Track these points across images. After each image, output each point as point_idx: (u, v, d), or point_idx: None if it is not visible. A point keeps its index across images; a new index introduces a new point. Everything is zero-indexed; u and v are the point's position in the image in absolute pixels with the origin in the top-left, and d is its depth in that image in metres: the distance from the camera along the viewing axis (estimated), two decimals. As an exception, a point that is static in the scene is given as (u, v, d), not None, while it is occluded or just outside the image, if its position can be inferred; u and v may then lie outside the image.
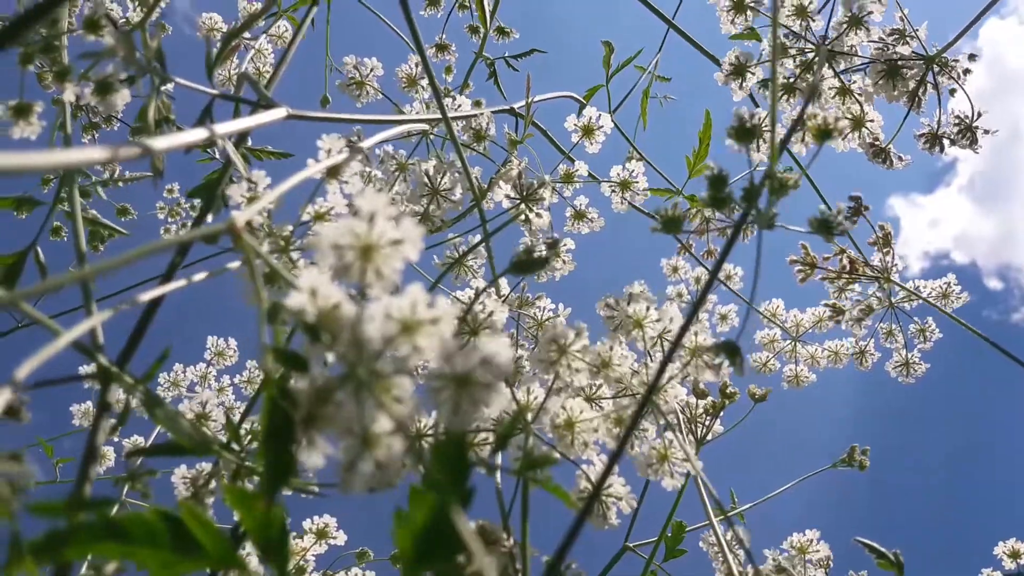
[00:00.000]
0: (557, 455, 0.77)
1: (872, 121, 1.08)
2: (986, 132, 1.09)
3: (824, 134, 0.67)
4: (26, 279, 1.12)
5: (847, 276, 1.30)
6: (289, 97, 1.09)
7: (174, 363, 1.62)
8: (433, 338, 0.44)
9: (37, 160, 0.50)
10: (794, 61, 1.10)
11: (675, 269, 1.83)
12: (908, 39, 1.08)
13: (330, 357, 0.45)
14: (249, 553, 0.83)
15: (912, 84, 1.08)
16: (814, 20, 1.09)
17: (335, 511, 1.24)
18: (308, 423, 0.44)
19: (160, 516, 0.46)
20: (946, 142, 1.11)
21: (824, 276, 1.30)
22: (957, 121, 1.10)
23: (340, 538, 1.23)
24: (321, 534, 1.22)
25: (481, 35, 1.72)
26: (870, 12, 1.07)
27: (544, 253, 0.82)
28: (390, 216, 0.47)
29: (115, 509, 1.19)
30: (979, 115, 1.09)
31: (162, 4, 1.34)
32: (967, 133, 1.09)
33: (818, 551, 1.10)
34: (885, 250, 1.30)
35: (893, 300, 1.45)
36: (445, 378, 0.45)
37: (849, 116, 1.09)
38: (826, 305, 1.48)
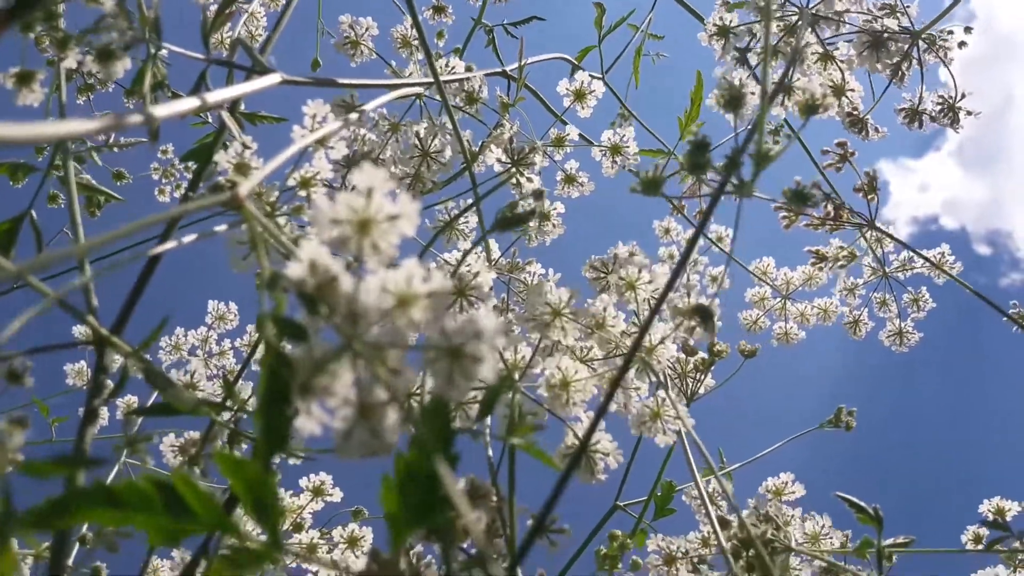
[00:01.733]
0: (542, 422, 0.78)
1: (852, 91, 1.09)
2: (969, 113, 1.10)
3: (810, 109, 0.68)
4: (22, 246, 1.13)
5: (832, 223, 1.31)
6: (281, 60, 1.09)
7: (175, 327, 1.63)
8: (428, 311, 0.46)
9: (40, 131, 0.51)
10: (778, 25, 1.11)
11: (667, 231, 1.84)
12: (898, 14, 1.08)
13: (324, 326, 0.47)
14: (245, 516, 0.85)
15: (896, 58, 1.08)
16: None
17: (330, 468, 1.26)
18: (305, 392, 0.45)
19: (154, 483, 0.47)
20: (926, 119, 1.11)
21: (809, 223, 1.31)
22: (940, 100, 1.11)
23: (336, 495, 1.25)
24: (317, 491, 1.24)
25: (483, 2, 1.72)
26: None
27: (530, 207, 0.84)
28: (387, 191, 0.48)
29: (114, 471, 1.21)
30: (963, 96, 1.10)
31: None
32: (949, 112, 1.10)
33: (794, 492, 1.12)
34: (871, 197, 1.31)
35: (887, 269, 1.47)
36: (439, 350, 0.46)
37: (831, 84, 1.09)
38: (809, 251, 1.50)
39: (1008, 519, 1.21)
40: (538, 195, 1.12)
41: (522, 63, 1.24)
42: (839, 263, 1.45)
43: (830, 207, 1.30)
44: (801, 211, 1.27)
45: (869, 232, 1.41)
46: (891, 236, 1.44)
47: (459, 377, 0.46)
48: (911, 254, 1.47)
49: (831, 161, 1.23)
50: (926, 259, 1.45)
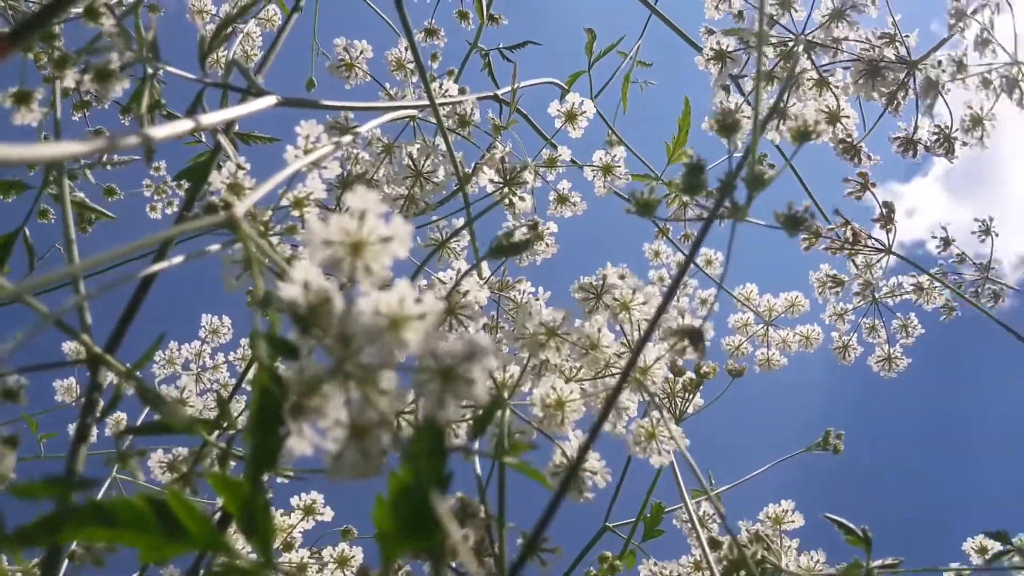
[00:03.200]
0: (533, 442, 0.79)
1: (847, 117, 1.10)
2: (964, 144, 1.11)
3: (803, 135, 0.69)
4: (14, 261, 1.14)
5: (850, 248, 1.33)
6: (276, 80, 1.10)
7: (169, 341, 1.63)
8: (420, 332, 0.47)
9: (37, 152, 0.51)
10: (774, 50, 1.12)
11: (656, 254, 1.85)
12: (897, 44, 1.09)
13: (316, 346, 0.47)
14: (236, 534, 0.85)
15: (892, 87, 1.09)
16: (796, 11, 1.11)
17: (322, 488, 1.26)
18: (296, 413, 0.46)
19: (147, 501, 0.48)
20: (921, 148, 1.12)
21: (828, 247, 1.32)
22: (936, 130, 1.11)
23: (327, 515, 1.25)
24: (309, 510, 1.24)
25: (476, 26, 1.73)
26: (853, 6, 1.09)
27: (525, 236, 0.85)
28: (380, 213, 0.48)
29: (105, 486, 1.21)
30: (958, 128, 1.10)
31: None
32: (944, 142, 1.11)
33: (793, 521, 1.12)
34: (888, 227, 1.32)
35: (877, 296, 1.49)
36: (431, 371, 0.47)
37: (825, 109, 1.10)
38: (827, 276, 1.51)
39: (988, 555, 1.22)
40: (533, 227, 1.13)
41: (515, 87, 1.25)
42: (855, 292, 1.46)
43: (849, 232, 1.31)
44: (820, 234, 1.29)
45: (859, 257, 1.42)
46: (911, 262, 1.45)
47: (450, 398, 0.47)
48: (899, 279, 1.49)
49: (852, 190, 1.25)
50: (948, 286, 1.46)
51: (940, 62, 1.08)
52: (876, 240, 1.32)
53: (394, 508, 0.48)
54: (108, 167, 1.64)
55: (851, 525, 0.88)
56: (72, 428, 0.82)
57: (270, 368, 0.47)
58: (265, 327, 0.51)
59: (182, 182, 1.97)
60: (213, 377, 1.63)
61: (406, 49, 1.30)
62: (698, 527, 0.85)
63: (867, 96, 1.10)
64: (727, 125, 0.68)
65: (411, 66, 1.30)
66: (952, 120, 1.11)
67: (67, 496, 0.48)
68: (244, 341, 1.68)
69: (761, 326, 1.69)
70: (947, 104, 1.11)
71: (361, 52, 1.27)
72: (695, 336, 0.75)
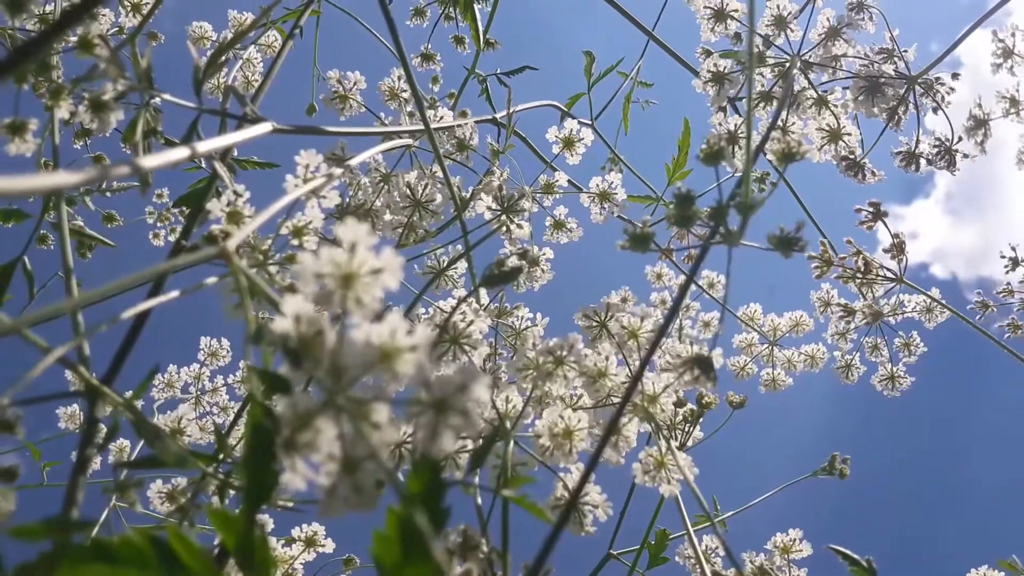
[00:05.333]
0: (533, 475, 0.78)
1: (849, 135, 1.10)
2: (965, 156, 1.10)
3: (787, 157, 0.68)
4: (15, 287, 1.14)
5: (862, 277, 1.32)
6: (275, 105, 1.10)
7: (168, 364, 1.62)
8: (411, 364, 0.46)
9: (32, 183, 0.51)
10: (772, 70, 1.12)
11: (659, 276, 1.85)
12: (895, 58, 1.09)
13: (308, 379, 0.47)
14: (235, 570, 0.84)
15: (893, 103, 1.09)
16: (792, 31, 1.10)
17: (323, 519, 1.25)
18: (289, 448, 0.45)
19: (147, 538, 0.48)
20: (923, 161, 1.12)
21: (840, 275, 1.32)
22: (937, 143, 1.11)
23: (328, 546, 1.24)
24: (310, 542, 1.23)
25: (471, 52, 1.74)
26: (848, 24, 1.09)
27: (515, 265, 0.84)
28: (370, 245, 0.48)
29: (104, 514, 1.21)
30: (959, 139, 1.10)
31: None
32: (945, 155, 1.10)
33: (801, 551, 1.11)
34: (899, 257, 1.32)
35: (881, 312, 1.48)
36: (423, 404, 0.47)
37: (826, 128, 1.10)
38: (838, 305, 1.50)
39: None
40: (522, 255, 1.13)
41: (511, 111, 1.25)
42: (865, 319, 1.46)
43: (860, 261, 1.31)
44: (832, 262, 1.28)
45: (860, 277, 1.41)
46: (923, 292, 1.45)
47: (445, 431, 0.46)
48: (901, 298, 1.48)
49: (864, 219, 1.24)
50: (961, 316, 1.45)
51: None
52: (887, 269, 1.32)
53: (391, 544, 0.47)
54: (108, 194, 1.64)
55: (855, 556, 0.87)
56: (75, 456, 0.81)
57: (263, 403, 0.47)
58: (259, 359, 0.51)
59: (184, 208, 1.98)
60: (212, 400, 1.62)
61: (399, 78, 1.30)
62: (703, 562, 0.84)
63: (868, 113, 1.10)
64: (712, 155, 0.68)
65: (406, 95, 1.30)
66: (953, 133, 1.11)
67: (67, 536, 0.48)
68: (244, 363, 1.67)
69: (765, 346, 1.68)
70: (948, 118, 1.10)
71: (355, 84, 1.27)
72: (705, 365, 0.74)
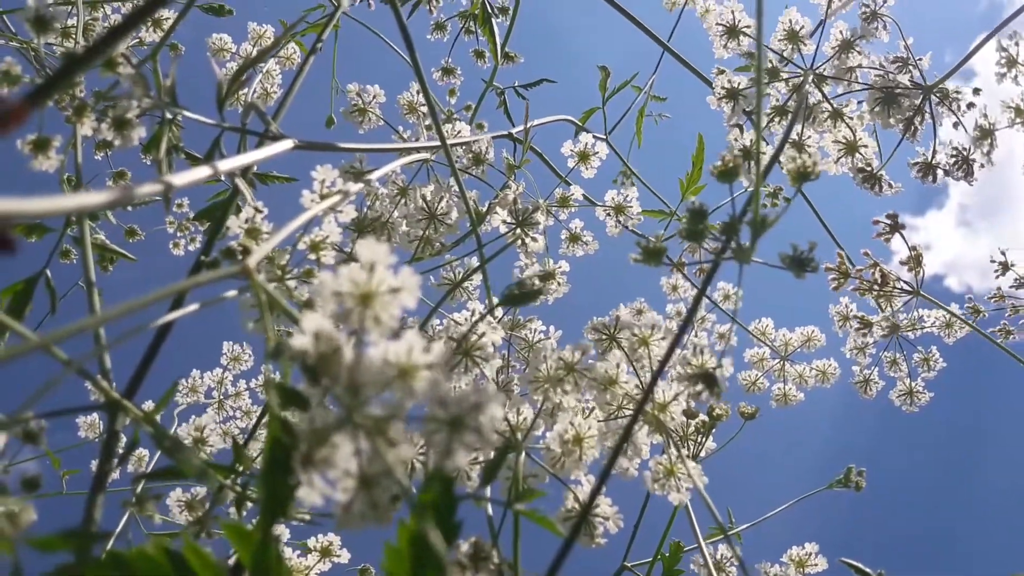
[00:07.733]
0: (543, 489, 0.79)
1: (866, 147, 1.10)
2: (982, 166, 1.10)
3: (802, 176, 0.69)
4: (36, 301, 1.16)
5: (879, 289, 1.32)
6: (293, 116, 1.11)
7: (190, 370, 1.64)
8: (427, 382, 0.47)
9: (56, 204, 0.52)
10: (786, 84, 1.12)
11: (674, 288, 1.85)
12: (910, 67, 1.09)
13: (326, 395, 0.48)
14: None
15: (909, 113, 1.09)
16: (805, 45, 1.11)
17: (339, 529, 1.26)
18: (306, 463, 0.46)
19: (162, 550, 0.49)
20: (940, 172, 1.11)
21: (857, 287, 1.32)
22: (954, 153, 1.11)
23: (344, 556, 1.25)
24: (326, 552, 1.24)
25: (491, 66, 1.75)
26: (861, 37, 1.09)
27: (535, 286, 0.85)
28: (389, 264, 0.49)
29: (122, 523, 1.22)
30: (975, 149, 1.09)
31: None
32: (963, 165, 1.10)
33: (816, 565, 1.11)
34: (916, 270, 1.32)
35: (899, 325, 1.48)
36: (438, 421, 0.48)
37: (842, 141, 1.10)
38: (855, 317, 1.50)
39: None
40: (545, 277, 1.14)
41: (527, 125, 1.26)
42: (883, 332, 1.46)
43: (877, 274, 1.31)
44: (849, 274, 1.28)
45: (877, 290, 1.41)
46: (941, 306, 1.44)
47: (459, 447, 0.47)
48: (920, 313, 1.48)
49: (881, 231, 1.24)
50: (982, 333, 1.45)
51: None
52: (904, 282, 1.32)
53: (403, 558, 0.48)
54: (128, 208, 1.66)
55: (867, 569, 0.87)
56: (94, 464, 0.83)
57: (281, 418, 0.48)
58: (278, 371, 0.52)
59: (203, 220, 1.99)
60: (235, 404, 1.64)
61: (418, 92, 1.32)
62: (713, 572, 0.84)
63: (884, 124, 1.09)
64: (726, 172, 0.69)
65: (424, 109, 1.31)
66: (970, 143, 1.10)
67: (85, 548, 0.49)
68: (265, 368, 1.69)
69: (777, 360, 1.69)
70: (965, 128, 1.10)
71: (374, 97, 1.28)
72: (709, 380, 0.75)
